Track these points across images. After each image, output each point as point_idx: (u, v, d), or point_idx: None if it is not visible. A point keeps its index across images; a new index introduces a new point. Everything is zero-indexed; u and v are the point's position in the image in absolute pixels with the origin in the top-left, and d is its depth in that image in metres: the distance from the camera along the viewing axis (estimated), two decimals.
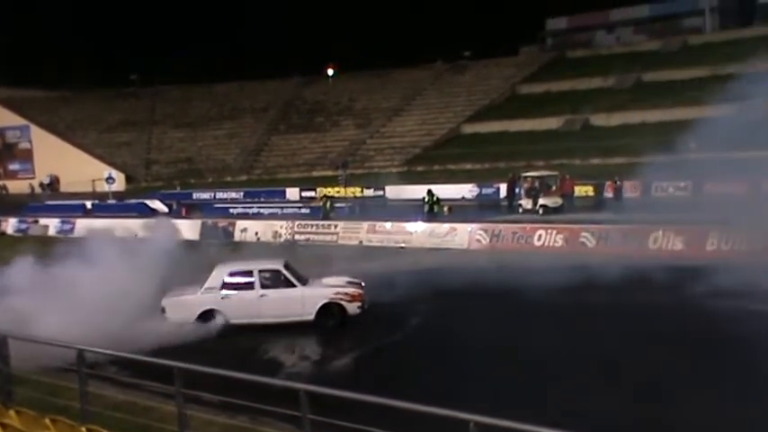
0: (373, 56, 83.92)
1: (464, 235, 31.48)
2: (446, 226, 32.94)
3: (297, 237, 34.92)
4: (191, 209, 48.58)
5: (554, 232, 29.47)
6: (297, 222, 37.24)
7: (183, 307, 19.17)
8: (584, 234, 28.58)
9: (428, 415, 6.93)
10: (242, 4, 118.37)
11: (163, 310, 19.01)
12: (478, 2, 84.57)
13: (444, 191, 46.18)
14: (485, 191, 50.54)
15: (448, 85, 78.76)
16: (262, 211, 48.23)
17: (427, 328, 18.62)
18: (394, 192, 56.30)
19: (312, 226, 36.11)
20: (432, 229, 33.21)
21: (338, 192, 56.25)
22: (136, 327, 16.97)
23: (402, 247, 31.66)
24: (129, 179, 73.31)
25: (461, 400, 7.13)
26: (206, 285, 19.27)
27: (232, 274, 19.34)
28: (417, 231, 33.26)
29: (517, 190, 43.22)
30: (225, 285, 19.14)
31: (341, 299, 18.89)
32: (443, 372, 14.80)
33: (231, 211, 49.11)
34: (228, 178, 71.64)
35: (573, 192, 43.26)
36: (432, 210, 38.71)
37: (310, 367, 16.06)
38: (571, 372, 14.23)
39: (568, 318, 18.23)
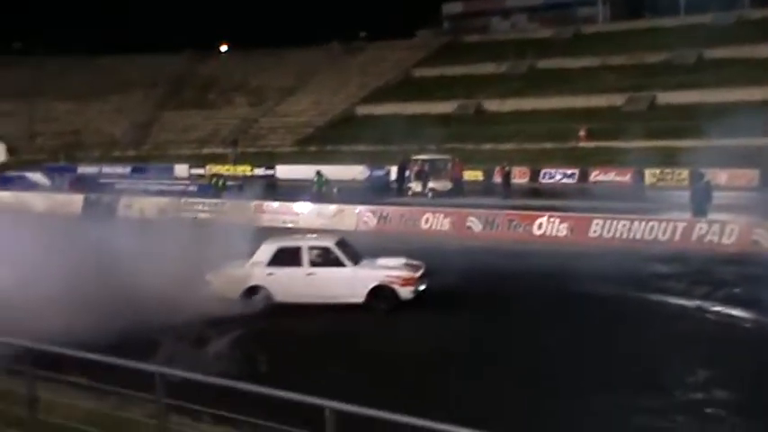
0: (268, 34, 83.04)
1: (351, 216, 31.21)
2: (333, 207, 32.61)
3: (185, 214, 33.98)
4: (76, 183, 47.04)
5: (441, 216, 29.39)
6: (183, 200, 36.37)
7: (229, 281, 18.18)
8: (471, 219, 28.54)
9: (285, 401, 6.83)
10: None
11: (209, 283, 18.06)
12: None
13: (335, 172, 45.88)
14: (376, 173, 50.36)
15: (343, 65, 78.30)
16: (149, 187, 46.93)
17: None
18: (285, 171, 55.74)
19: (199, 204, 35.28)
20: (319, 209, 32.84)
21: (227, 170, 55.30)
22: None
23: (289, 228, 31.14)
24: (11, 151, 70.79)
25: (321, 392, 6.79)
26: (253, 260, 18.34)
27: (280, 250, 18.29)
28: (305, 212, 32.84)
29: (407, 173, 43.14)
30: (272, 261, 18.11)
31: (392, 282, 17.58)
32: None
33: (117, 186, 47.66)
34: (117, 153, 69.73)
35: (462, 176, 43.40)
36: (320, 190, 38.29)
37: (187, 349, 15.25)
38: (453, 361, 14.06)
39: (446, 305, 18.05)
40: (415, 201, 37.69)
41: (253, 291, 17.91)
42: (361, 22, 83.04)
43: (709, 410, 11.60)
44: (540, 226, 27.14)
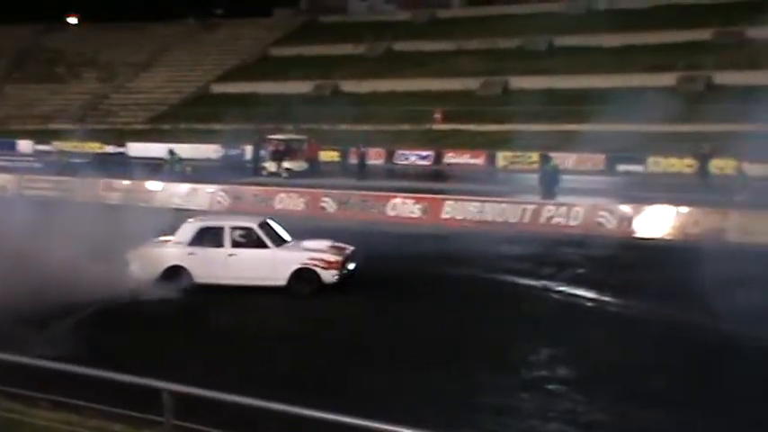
0: (120, 8, 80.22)
1: (204, 196, 30.75)
2: (186, 186, 32.02)
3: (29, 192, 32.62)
4: None
5: (295, 196, 29.32)
6: (26, 176, 34.99)
7: (148, 261, 17.50)
8: (324, 199, 28.56)
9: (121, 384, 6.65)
10: None
11: (127, 263, 17.36)
12: None
13: (189, 151, 45.07)
14: (231, 152, 49.67)
15: (198, 42, 76.67)
16: None
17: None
18: (137, 149, 54.36)
19: (44, 181, 34.01)
20: (172, 188, 32.17)
21: (75, 147, 53.47)
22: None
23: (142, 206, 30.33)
24: None
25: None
26: (174, 239, 17.71)
27: (202, 229, 17.70)
28: (157, 190, 32.09)
29: (262, 152, 42.76)
30: (194, 241, 17.47)
31: (315, 265, 16.97)
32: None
33: None
34: None
35: (318, 156, 43.31)
36: (173, 169, 37.50)
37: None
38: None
39: None
40: (270, 180, 37.43)
41: (173, 271, 17.29)
42: None
43: (551, 387, 11.88)
44: (393, 207, 27.37)
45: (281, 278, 17.03)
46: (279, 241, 17.63)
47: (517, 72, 58.02)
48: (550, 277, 18.71)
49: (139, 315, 15.64)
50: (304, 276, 16.97)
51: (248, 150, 45.87)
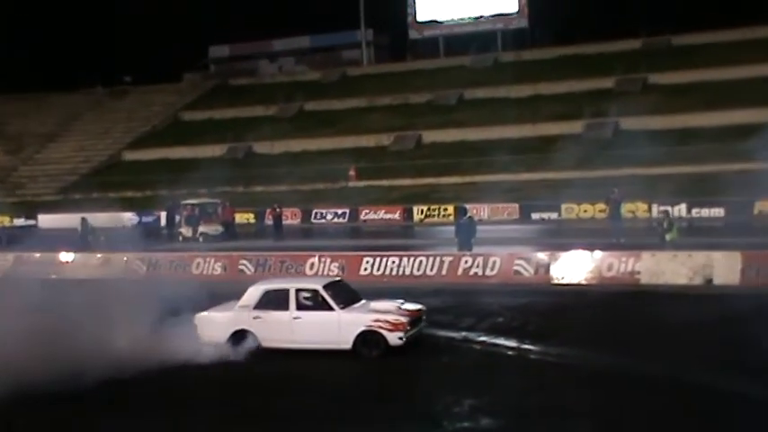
0: (26, 78, 78.82)
1: (119, 264, 30.06)
2: (100, 256, 31.39)
3: None
4: None
5: (212, 260, 28.92)
6: None
7: (215, 325, 17.23)
8: (242, 262, 28.24)
9: None
10: None
11: (195, 327, 17.22)
12: (139, 26, 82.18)
13: (103, 220, 44.23)
14: (145, 219, 49.01)
15: (108, 110, 75.81)
16: None
17: None
18: (48, 221, 53.19)
19: None
20: (85, 258, 31.49)
21: None
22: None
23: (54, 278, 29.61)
24: None
25: None
26: (240, 303, 17.35)
27: (267, 293, 17.29)
28: (70, 261, 31.38)
29: (177, 218, 42.28)
30: (259, 304, 17.09)
31: (380, 327, 16.31)
32: None
33: None
34: None
35: (233, 219, 43.00)
36: (86, 239, 36.78)
37: None
38: None
39: None
40: (187, 246, 36.99)
41: (240, 335, 17.01)
42: (126, 65, 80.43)
43: None
44: (311, 266, 27.20)
45: (346, 341, 16.51)
46: (346, 303, 17.10)
47: (429, 126, 58.77)
48: (470, 328, 18.72)
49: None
50: (369, 339, 16.40)
51: (163, 216, 45.29)
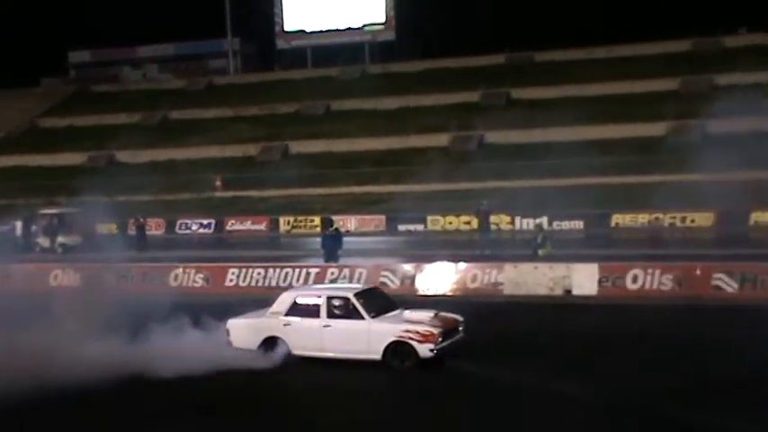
0: None
1: None
2: None
3: None
4: None
5: (71, 271, 27.94)
6: None
7: (247, 332, 16.74)
8: (102, 273, 27.35)
9: None
10: None
11: (227, 333, 16.79)
12: None
13: None
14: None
15: None
16: None
17: None
18: None
19: None
20: None
21: None
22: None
23: None
24: None
25: None
26: (271, 309, 16.95)
27: (300, 299, 16.96)
28: None
29: (34, 228, 40.75)
30: (290, 311, 16.62)
31: (410, 338, 15.64)
32: None
33: None
34: None
35: (95, 229, 41.69)
36: None
37: None
38: None
39: None
40: (44, 257, 35.71)
41: (271, 342, 16.52)
42: None
43: None
44: (176, 277, 26.66)
45: (375, 351, 15.91)
46: (378, 312, 16.45)
47: (296, 137, 58.57)
48: None
49: None
50: (399, 350, 15.79)
51: (18, 226, 43.52)
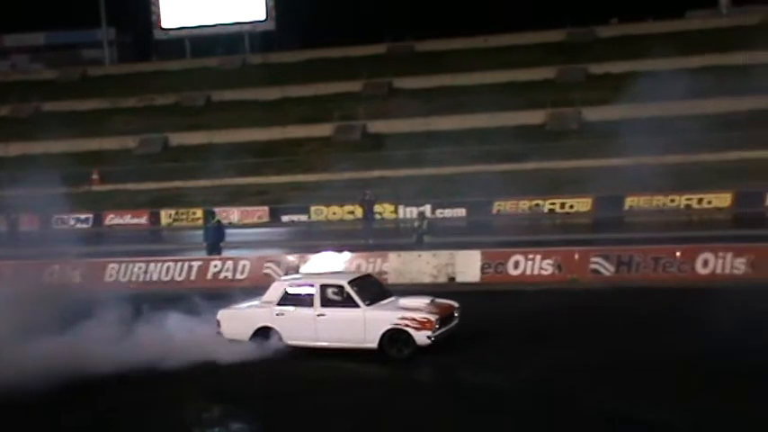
0: None
1: None
2: None
3: None
4: None
5: None
6: None
7: (238, 321, 16.41)
8: None
9: None
10: None
11: (218, 324, 16.42)
12: None
13: None
14: None
15: None
16: None
17: None
18: None
19: None
20: None
21: None
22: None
23: None
24: None
25: None
26: (264, 298, 16.56)
27: (292, 287, 16.45)
28: None
29: None
30: (282, 300, 16.17)
31: (406, 325, 15.24)
32: None
33: None
34: None
35: None
36: None
37: None
38: None
39: None
40: None
41: (263, 332, 16.17)
42: None
43: None
44: (52, 274, 25.84)
45: (371, 340, 15.59)
46: (373, 299, 16.06)
47: (175, 128, 57.50)
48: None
49: None
50: (395, 338, 15.47)
51: None
